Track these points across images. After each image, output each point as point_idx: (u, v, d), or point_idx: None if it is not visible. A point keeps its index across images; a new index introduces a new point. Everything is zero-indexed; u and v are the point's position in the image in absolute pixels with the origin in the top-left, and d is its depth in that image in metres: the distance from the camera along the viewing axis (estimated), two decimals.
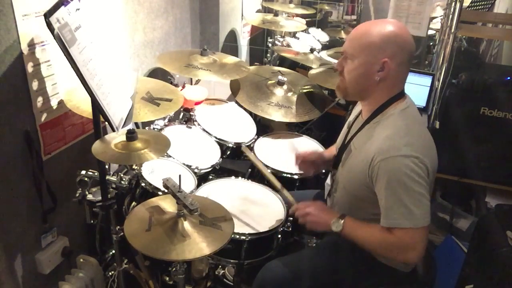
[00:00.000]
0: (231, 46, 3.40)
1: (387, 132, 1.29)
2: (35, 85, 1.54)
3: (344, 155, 1.45)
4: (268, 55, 3.29)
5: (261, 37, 3.75)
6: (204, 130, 2.12)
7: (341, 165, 1.47)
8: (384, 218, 1.26)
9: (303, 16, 3.63)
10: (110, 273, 1.74)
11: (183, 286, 1.42)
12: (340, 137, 1.57)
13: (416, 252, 1.24)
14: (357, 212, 1.41)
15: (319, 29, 3.91)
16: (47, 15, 1.15)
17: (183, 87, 2.22)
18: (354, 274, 1.42)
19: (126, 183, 1.61)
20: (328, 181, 1.57)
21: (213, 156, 1.99)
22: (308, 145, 2.23)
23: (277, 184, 1.68)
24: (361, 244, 1.33)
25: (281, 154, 2.10)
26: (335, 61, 2.84)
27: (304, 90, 2.42)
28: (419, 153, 1.22)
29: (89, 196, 1.59)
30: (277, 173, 1.95)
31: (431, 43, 3.69)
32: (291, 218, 1.59)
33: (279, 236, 1.61)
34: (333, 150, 1.68)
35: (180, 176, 1.27)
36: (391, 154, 1.23)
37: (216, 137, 2.10)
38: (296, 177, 1.93)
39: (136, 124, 2.05)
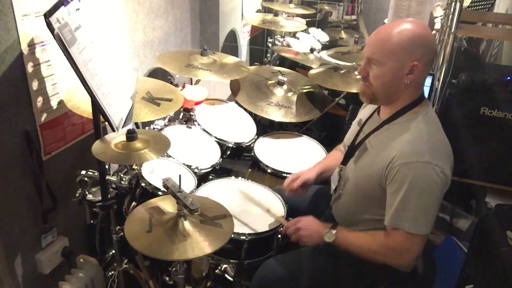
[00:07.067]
0: (231, 46, 3.39)
1: (410, 135, 1.28)
2: (35, 85, 1.54)
3: (357, 153, 1.43)
4: (268, 55, 3.29)
5: (261, 37, 3.74)
6: (204, 130, 2.12)
7: (353, 162, 1.45)
8: (390, 219, 1.26)
9: (303, 16, 3.62)
10: (110, 273, 1.73)
11: (183, 286, 1.42)
12: (350, 134, 1.55)
13: (410, 257, 1.28)
14: (363, 210, 1.41)
15: (319, 29, 3.91)
16: (47, 15, 1.15)
17: (183, 87, 2.22)
18: (354, 273, 1.42)
19: (126, 183, 1.61)
20: (335, 176, 1.56)
21: (213, 156, 1.99)
22: (308, 145, 2.23)
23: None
24: (355, 251, 1.34)
25: (281, 154, 2.10)
26: (335, 61, 2.84)
27: (304, 90, 2.41)
28: (441, 160, 1.22)
29: (89, 196, 1.60)
30: (277, 173, 1.96)
31: None
32: (283, 237, 1.57)
33: (279, 236, 1.61)
34: (328, 164, 1.68)
35: (180, 176, 1.27)
36: (413, 159, 1.22)
37: (216, 137, 2.09)
38: None
39: (136, 124, 2.05)
